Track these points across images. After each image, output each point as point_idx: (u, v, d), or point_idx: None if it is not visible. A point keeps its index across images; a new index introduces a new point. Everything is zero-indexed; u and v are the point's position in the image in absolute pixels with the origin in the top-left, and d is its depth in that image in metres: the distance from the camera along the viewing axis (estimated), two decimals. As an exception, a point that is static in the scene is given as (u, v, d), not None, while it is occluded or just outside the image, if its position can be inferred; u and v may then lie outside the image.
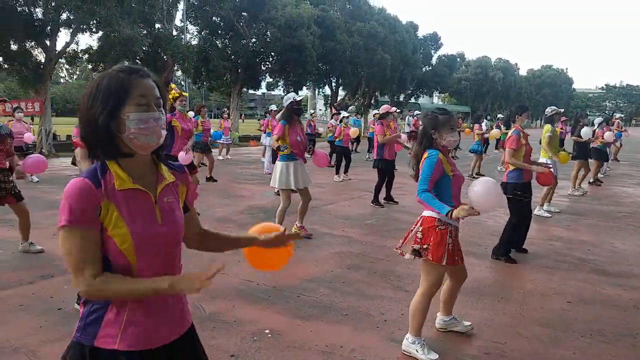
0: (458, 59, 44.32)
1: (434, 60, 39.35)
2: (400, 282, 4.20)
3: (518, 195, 4.90)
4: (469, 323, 3.28)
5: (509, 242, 5.00)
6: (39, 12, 16.58)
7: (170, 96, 6.61)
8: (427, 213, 2.89)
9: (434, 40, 38.50)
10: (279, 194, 7.99)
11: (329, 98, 31.85)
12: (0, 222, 5.77)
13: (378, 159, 7.54)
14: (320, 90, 32.39)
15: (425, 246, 2.82)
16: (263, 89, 29.55)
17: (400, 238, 3.05)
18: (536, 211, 6.79)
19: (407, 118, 21.38)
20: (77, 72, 76.07)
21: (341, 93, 32.65)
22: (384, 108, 7.80)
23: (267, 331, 3.22)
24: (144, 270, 1.29)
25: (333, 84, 30.78)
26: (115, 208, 1.26)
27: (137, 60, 19.65)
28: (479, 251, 5.23)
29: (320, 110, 43.28)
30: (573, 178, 9.22)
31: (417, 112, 18.73)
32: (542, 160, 7.02)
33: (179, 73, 25.05)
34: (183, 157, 5.89)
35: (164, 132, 1.34)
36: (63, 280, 4.02)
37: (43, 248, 4.84)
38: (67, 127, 26.33)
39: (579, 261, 5.00)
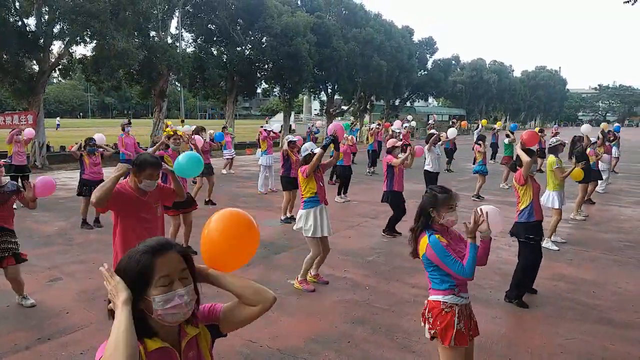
0: (453, 62, 44.39)
1: (429, 65, 39.42)
2: (407, 340, 4.11)
3: (530, 238, 4.91)
4: None
5: (519, 285, 4.98)
6: (31, 23, 16.41)
7: (164, 133, 6.57)
8: (432, 297, 2.83)
9: (429, 45, 38.55)
10: (287, 222, 7.91)
11: (325, 103, 31.76)
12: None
13: (387, 190, 7.47)
14: (317, 96, 32.29)
15: (435, 331, 2.76)
16: (259, 96, 29.43)
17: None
18: (544, 244, 6.63)
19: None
20: (62, 79, 75.67)
21: (337, 98, 32.59)
22: (390, 142, 7.71)
23: None
24: None
25: (329, 90, 30.69)
26: None
27: (133, 72, 19.50)
28: (483, 296, 5.16)
29: (315, 110, 43.22)
30: (578, 202, 9.18)
31: (407, 123, 18.45)
32: (547, 192, 6.99)
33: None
34: None
35: (191, 305, 1.37)
36: (58, 345, 3.90)
37: (34, 302, 4.65)
38: (60, 138, 26.08)
39: (584, 308, 4.95)
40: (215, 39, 24.18)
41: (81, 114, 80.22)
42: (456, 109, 54.96)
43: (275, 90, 28.16)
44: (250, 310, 1.53)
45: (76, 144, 8.07)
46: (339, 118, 31.01)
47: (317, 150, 5.23)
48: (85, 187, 7.79)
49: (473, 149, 11.63)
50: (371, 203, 10.33)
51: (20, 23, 15.98)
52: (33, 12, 16.10)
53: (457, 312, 2.74)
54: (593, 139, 10.19)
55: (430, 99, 51.63)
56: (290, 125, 30.90)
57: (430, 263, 2.80)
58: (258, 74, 25.83)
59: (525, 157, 5.11)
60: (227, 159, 15.65)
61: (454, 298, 2.75)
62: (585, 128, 10.57)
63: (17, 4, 15.78)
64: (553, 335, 4.29)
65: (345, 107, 33.71)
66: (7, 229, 4.46)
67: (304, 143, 9.19)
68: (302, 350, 3.91)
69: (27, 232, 7.30)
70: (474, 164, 11.86)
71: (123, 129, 10.64)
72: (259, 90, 27.77)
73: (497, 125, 20.37)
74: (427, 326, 2.81)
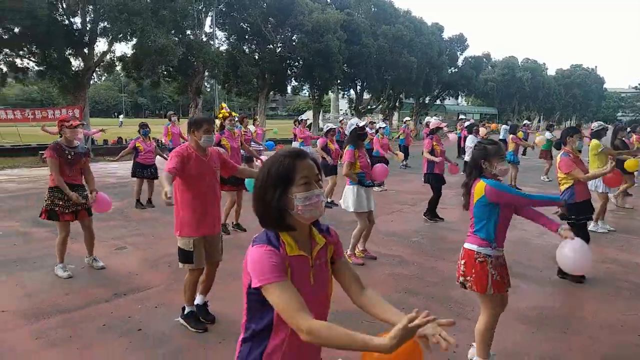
0: (484, 60, 43.73)
1: (459, 62, 38.95)
2: (461, 309, 4.24)
3: (571, 219, 4.87)
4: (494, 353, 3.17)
5: None
6: (78, 22, 17.14)
7: (220, 115, 6.82)
8: (467, 245, 2.97)
9: (460, 42, 38.12)
10: (328, 206, 8.08)
11: (353, 101, 31.87)
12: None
13: (428, 172, 7.57)
14: (345, 93, 32.42)
15: (468, 278, 2.91)
16: (289, 93, 29.75)
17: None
18: (591, 227, 6.57)
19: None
20: (105, 74, 77.74)
21: (366, 96, 32.63)
22: (434, 123, 7.77)
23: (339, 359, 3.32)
24: None
25: (358, 88, 30.78)
26: (289, 272, 1.44)
27: (170, 68, 20.10)
28: (535, 275, 5.21)
29: (342, 110, 43.30)
30: (620, 192, 9.07)
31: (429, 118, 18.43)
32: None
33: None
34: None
35: (323, 205, 1.52)
36: (134, 300, 4.22)
37: (104, 265, 5.04)
38: (103, 134, 27.03)
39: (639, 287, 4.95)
40: (247, 37, 24.64)
41: (116, 113, 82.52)
42: (487, 107, 54.13)
43: (304, 87, 28.45)
44: (349, 289, 1.64)
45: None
46: (368, 115, 31.03)
47: (351, 184, 5.41)
48: (139, 169, 8.25)
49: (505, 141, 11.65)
50: (408, 192, 10.45)
51: (67, 22, 16.73)
52: (79, 11, 16.85)
53: (490, 262, 2.87)
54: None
55: (460, 98, 50.94)
56: (319, 124, 31.11)
57: (482, 209, 2.90)
58: (288, 71, 26.19)
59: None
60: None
61: (488, 250, 2.88)
62: None
63: (64, 3, 16.52)
64: (611, 311, 4.28)
65: (373, 105, 33.73)
66: (79, 185, 4.85)
67: (336, 137, 9.50)
68: (360, 313, 4.06)
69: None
70: None
71: (169, 119, 11.07)
72: (289, 88, 28.08)
73: (493, 128, 20.16)
74: (460, 271, 2.96)
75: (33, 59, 16.83)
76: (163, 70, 20.04)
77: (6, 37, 15.27)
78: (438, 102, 42.00)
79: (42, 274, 4.86)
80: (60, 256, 4.82)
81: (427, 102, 38.79)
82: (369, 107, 32.92)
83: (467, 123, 15.38)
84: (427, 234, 6.99)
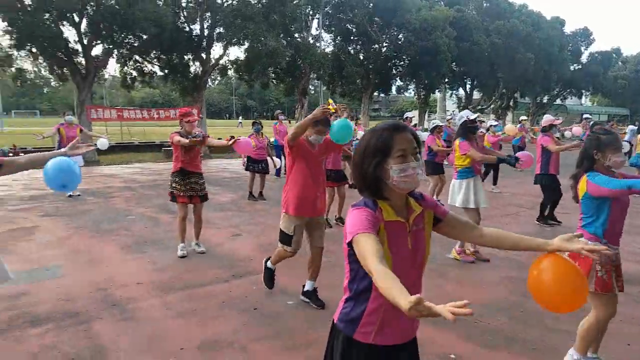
0: (613, 55, 39.24)
1: (584, 58, 35.47)
2: (585, 314, 3.81)
3: None
4: None
5: None
6: (196, 28, 18.66)
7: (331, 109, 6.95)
8: None
9: (584, 36, 34.71)
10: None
11: (462, 100, 30.55)
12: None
13: (541, 173, 6.97)
14: (453, 92, 31.21)
15: None
16: (393, 93, 29.43)
17: None
18: None
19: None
20: (218, 78, 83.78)
21: (476, 95, 31.10)
22: (547, 120, 7.16)
23: (452, 356, 3.18)
24: None
25: (467, 86, 29.45)
26: (385, 235, 1.52)
27: (278, 70, 21.05)
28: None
29: (449, 111, 41.74)
30: None
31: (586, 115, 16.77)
32: None
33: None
34: None
35: (419, 178, 1.56)
36: (249, 282, 4.47)
37: (204, 250, 5.38)
38: (213, 128, 29.30)
39: None
40: (352, 37, 24.89)
41: (227, 115, 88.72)
42: (617, 108, 48.48)
43: (410, 87, 27.95)
44: (468, 237, 1.75)
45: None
46: (478, 115, 29.49)
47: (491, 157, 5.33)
48: (251, 164, 8.73)
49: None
50: (524, 194, 9.74)
51: (187, 29, 18.32)
52: (198, 18, 18.36)
53: (599, 258, 2.61)
54: None
55: (584, 98, 46.23)
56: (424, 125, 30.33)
57: (589, 204, 2.73)
58: (393, 71, 25.94)
59: None
60: None
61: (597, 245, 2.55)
62: None
63: (185, 12, 18.12)
64: None
65: (484, 105, 32.02)
66: (197, 173, 5.26)
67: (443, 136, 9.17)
68: (473, 313, 3.87)
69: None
70: (628, 157, 10.47)
71: (277, 118, 11.58)
72: (393, 87, 27.80)
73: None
74: None
75: (158, 64, 18.68)
76: (272, 72, 21.04)
77: (136, 44, 17.16)
78: (558, 101, 38.60)
79: (169, 253, 5.36)
80: (180, 237, 5.30)
81: (545, 101, 35.88)
82: (479, 106, 31.34)
83: (591, 122, 13.94)
84: (547, 238, 6.40)
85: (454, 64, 25.94)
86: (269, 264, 4.10)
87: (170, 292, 4.19)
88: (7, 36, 14.65)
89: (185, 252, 5.24)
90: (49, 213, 7.50)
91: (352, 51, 25.10)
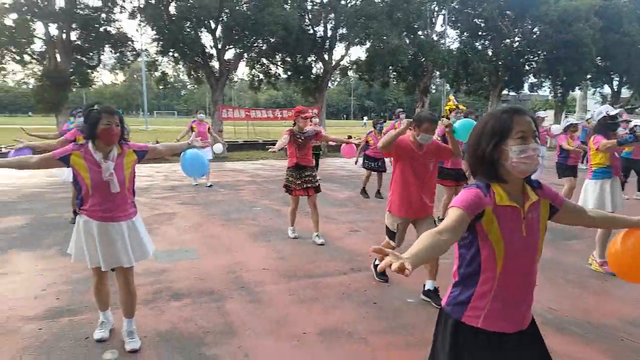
0: None
1: None
2: None
3: None
4: None
5: None
6: (320, 30, 19.25)
7: (447, 107, 6.68)
8: None
9: None
10: None
11: (607, 98, 27.11)
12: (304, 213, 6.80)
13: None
14: (597, 90, 27.85)
15: None
16: (525, 90, 27.17)
17: None
18: None
19: None
20: (338, 79, 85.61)
21: (625, 94, 27.38)
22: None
23: None
24: (506, 271, 1.55)
25: (615, 82, 26.06)
26: (496, 219, 1.54)
27: (399, 68, 20.80)
28: None
29: (589, 110, 37.30)
30: None
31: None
32: None
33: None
34: None
35: (538, 160, 1.57)
36: (368, 276, 4.47)
37: (324, 242, 5.54)
38: (338, 128, 30.01)
39: None
40: (480, 33, 23.58)
41: (344, 115, 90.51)
42: None
43: (544, 84, 25.60)
44: (582, 221, 1.78)
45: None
46: (621, 111, 25.87)
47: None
48: (367, 161, 8.80)
49: None
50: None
51: (311, 31, 18.98)
52: (321, 20, 18.93)
53: None
54: None
55: None
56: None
57: None
58: (526, 67, 24.00)
59: None
60: None
61: None
62: None
63: (310, 14, 18.79)
64: None
65: (635, 104, 28.05)
66: (310, 166, 5.57)
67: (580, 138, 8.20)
68: (618, 329, 3.42)
69: (325, 196, 8.64)
70: None
71: (397, 116, 11.46)
72: (526, 85, 25.69)
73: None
74: None
75: (283, 66, 19.63)
76: (393, 71, 20.86)
77: (264, 47, 18.26)
78: None
79: (291, 243, 5.61)
80: (291, 221, 5.87)
81: None
82: (629, 105, 27.53)
83: None
84: None
85: (599, 58, 23.09)
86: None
87: (293, 279, 4.38)
88: (155, 43, 16.73)
89: (296, 234, 5.81)
90: (186, 202, 8.35)
91: (479, 47, 23.79)
